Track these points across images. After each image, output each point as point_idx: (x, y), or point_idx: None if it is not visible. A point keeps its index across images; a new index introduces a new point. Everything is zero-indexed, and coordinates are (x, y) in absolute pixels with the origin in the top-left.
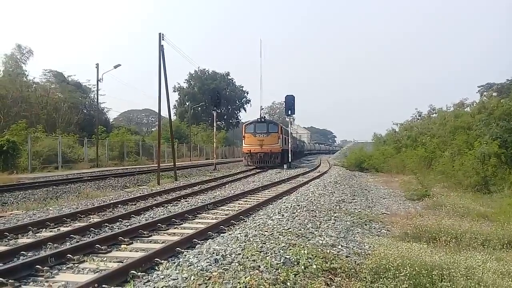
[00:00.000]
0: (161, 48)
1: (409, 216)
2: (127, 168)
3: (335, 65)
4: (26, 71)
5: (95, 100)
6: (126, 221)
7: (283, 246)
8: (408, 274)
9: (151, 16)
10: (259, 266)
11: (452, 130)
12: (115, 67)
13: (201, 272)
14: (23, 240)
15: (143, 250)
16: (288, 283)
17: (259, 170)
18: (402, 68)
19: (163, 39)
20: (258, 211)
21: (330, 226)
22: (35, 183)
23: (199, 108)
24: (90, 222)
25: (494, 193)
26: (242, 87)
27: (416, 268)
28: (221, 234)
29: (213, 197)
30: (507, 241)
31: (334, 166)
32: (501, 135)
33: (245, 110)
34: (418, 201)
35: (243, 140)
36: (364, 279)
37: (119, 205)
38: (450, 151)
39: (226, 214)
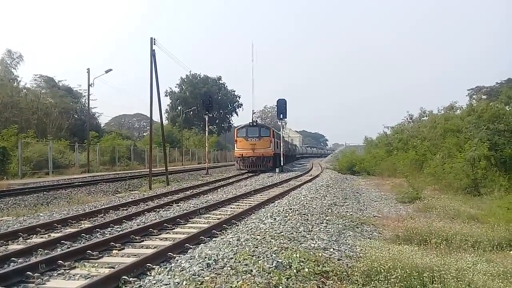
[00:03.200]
0: (152, 53)
1: (400, 219)
2: (118, 173)
3: (327, 69)
4: (17, 76)
5: (86, 105)
6: (118, 226)
7: (275, 250)
8: (399, 277)
9: (143, 20)
10: (251, 270)
11: (442, 133)
12: (106, 72)
13: (193, 277)
14: (14, 247)
15: (135, 255)
16: (280, 287)
17: (251, 174)
18: (394, 70)
19: (154, 44)
20: (250, 215)
21: (322, 229)
22: (25, 189)
23: (191, 113)
24: (81, 227)
25: (484, 195)
26: (234, 91)
27: (407, 270)
28: (213, 239)
29: (205, 202)
30: (497, 243)
31: (326, 169)
32: (490, 138)
33: (237, 114)
34: (409, 204)
35: (235, 144)
36: (356, 282)
37: (111, 211)
38: (440, 154)
39: (218, 219)
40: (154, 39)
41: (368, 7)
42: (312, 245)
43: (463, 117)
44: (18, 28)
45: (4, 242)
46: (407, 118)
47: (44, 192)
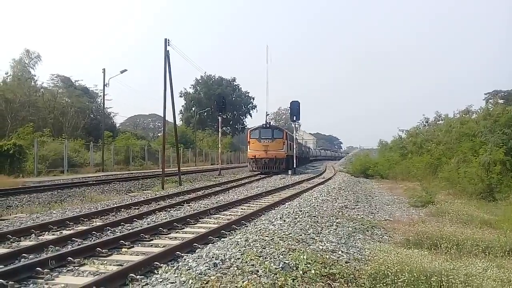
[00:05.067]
0: (166, 54)
1: (411, 223)
2: (132, 173)
3: (342, 72)
4: (34, 75)
5: (102, 104)
6: (128, 225)
7: (283, 251)
8: (406, 280)
9: (159, 21)
10: (258, 271)
11: (458, 137)
12: (122, 72)
13: (200, 276)
14: (25, 243)
15: (143, 253)
16: None
17: (263, 176)
18: (410, 74)
19: (168, 45)
20: (260, 216)
21: (331, 231)
22: (40, 186)
23: (205, 114)
24: (92, 225)
25: (499, 200)
26: (248, 92)
27: (415, 274)
28: (222, 239)
29: (216, 202)
30: (509, 249)
31: (339, 172)
32: (505, 142)
33: (251, 116)
34: (422, 208)
35: (248, 146)
36: (363, 284)
37: (122, 209)
38: (456, 158)
39: (228, 219)
40: (168, 40)
41: (382, 13)
42: (321, 247)
43: (478, 121)
44: (36, 28)
45: (17, 238)
46: (422, 122)
47: (58, 190)
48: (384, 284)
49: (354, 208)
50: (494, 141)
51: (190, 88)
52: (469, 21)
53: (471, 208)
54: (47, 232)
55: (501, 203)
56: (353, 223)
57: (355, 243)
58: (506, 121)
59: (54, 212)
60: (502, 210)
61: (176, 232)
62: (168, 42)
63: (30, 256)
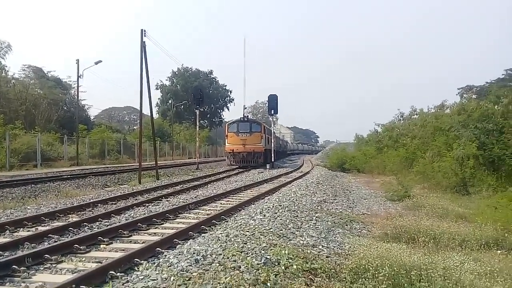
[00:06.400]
0: (143, 45)
1: (389, 217)
2: (108, 167)
3: (320, 67)
4: (5, 66)
5: (76, 96)
6: (106, 220)
7: (264, 246)
8: (387, 275)
9: (135, 11)
10: (240, 267)
11: (433, 131)
12: (96, 63)
13: (181, 272)
14: (0, 240)
15: (123, 250)
16: (269, 284)
17: (241, 170)
18: (387, 71)
19: (145, 36)
20: (240, 211)
21: (311, 226)
22: (13, 181)
23: (182, 106)
24: (69, 221)
25: (472, 194)
26: (226, 86)
27: (395, 268)
28: (202, 234)
29: (195, 197)
30: (484, 242)
31: (317, 166)
32: (477, 137)
33: (228, 109)
34: (398, 202)
35: (226, 140)
36: (344, 279)
37: (99, 204)
38: (430, 152)
39: (207, 214)
40: (145, 30)
41: (363, 13)
42: (301, 242)
43: (453, 116)
44: (7, 18)
45: None
46: (398, 116)
47: (32, 185)
48: (365, 279)
49: (332, 202)
50: (467, 136)
51: (166, 80)
52: (448, 20)
53: (446, 201)
54: (22, 229)
55: (475, 197)
56: (332, 217)
57: (335, 237)
58: (479, 116)
59: (28, 207)
60: (475, 203)
61: (156, 228)
62: (144, 33)
63: (6, 254)
